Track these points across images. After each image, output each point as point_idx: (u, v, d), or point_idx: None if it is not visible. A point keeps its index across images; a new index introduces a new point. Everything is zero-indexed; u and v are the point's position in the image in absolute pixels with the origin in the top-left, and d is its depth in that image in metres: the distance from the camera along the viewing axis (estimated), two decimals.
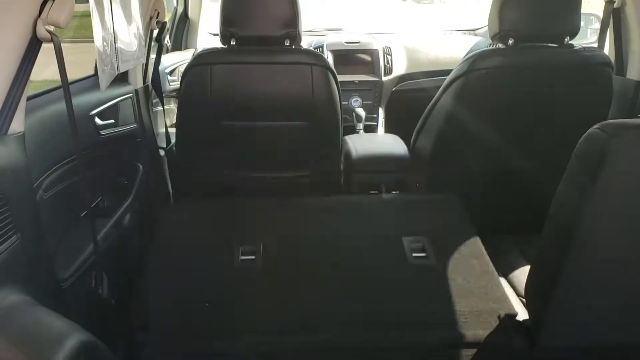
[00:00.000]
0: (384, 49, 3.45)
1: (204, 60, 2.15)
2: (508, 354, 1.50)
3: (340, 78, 3.47)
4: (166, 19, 2.34)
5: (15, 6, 1.08)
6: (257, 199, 2.13)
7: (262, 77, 2.17)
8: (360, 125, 3.22)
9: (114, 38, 1.69)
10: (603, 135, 1.21)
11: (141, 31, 2.00)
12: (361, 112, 3.22)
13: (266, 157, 2.31)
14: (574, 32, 2.06)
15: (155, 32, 2.28)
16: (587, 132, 1.26)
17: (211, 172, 2.31)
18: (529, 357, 1.51)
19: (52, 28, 1.19)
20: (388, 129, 3.39)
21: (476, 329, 1.54)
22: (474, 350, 1.50)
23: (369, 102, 3.37)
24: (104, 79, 1.57)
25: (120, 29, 1.75)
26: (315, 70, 2.15)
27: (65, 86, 1.29)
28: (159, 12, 2.19)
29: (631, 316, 1.44)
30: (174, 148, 2.50)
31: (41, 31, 1.17)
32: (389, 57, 3.44)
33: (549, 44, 2.11)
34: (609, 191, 1.24)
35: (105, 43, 1.57)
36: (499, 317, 1.57)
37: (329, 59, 3.41)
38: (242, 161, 2.31)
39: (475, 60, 2.09)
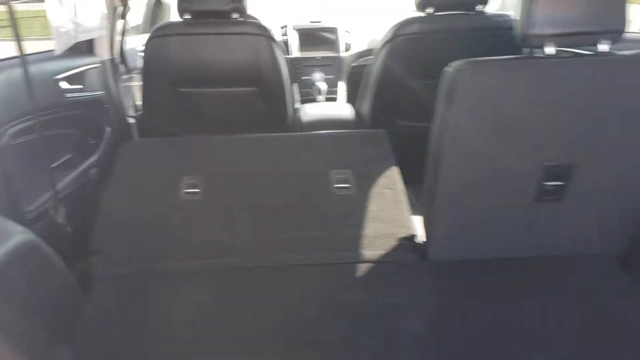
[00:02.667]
0: (345, 29, 3.72)
1: (161, 32, 2.43)
2: (402, 268, 1.78)
3: (303, 54, 3.76)
4: None
5: None
6: (203, 138, 2.36)
7: (213, 46, 2.44)
8: (321, 98, 3.49)
9: (74, 10, 1.98)
10: (453, 71, 1.49)
11: (103, 7, 2.28)
12: (322, 85, 3.49)
13: (220, 121, 2.58)
14: (484, 0, 2.33)
15: (120, 9, 2.56)
16: (442, 71, 1.53)
17: (173, 136, 2.58)
18: (421, 270, 1.78)
19: None
20: (348, 101, 3.66)
21: (377, 249, 1.82)
22: (373, 265, 1.77)
23: (330, 77, 3.64)
24: (60, 45, 1.85)
25: (79, 2, 2.03)
26: (260, 40, 2.42)
27: (20, 47, 1.57)
28: None
29: (490, 233, 1.72)
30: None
31: None
32: (349, 35, 3.71)
33: (464, 12, 2.37)
34: (461, 118, 1.51)
35: (60, 12, 1.85)
36: (399, 238, 1.85)
37: (294, 37, 3.69)
38: (199, 125, 2.58)
39: (399, 28, 2.36)
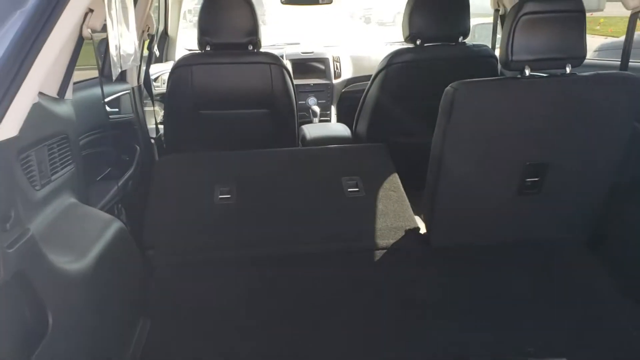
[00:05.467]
0: (333, 57, 4.13)
1: (186, 62, 2.78)
2: (410, 253, 2.15)
3: (298, 82, 4.16)
4: (154, 33, 2.97)
5: (69, 15, 1.69)
6: (229, 152, 2.70)
7: (232, 74, 2.80)
8: (316, 120, 3.87)
9: (120, 45, 2.31)
10: (451, 90, 1.89)
11: (136, 41, 2.62)
12: (316, 108, 3.88)
13: (236, 139, 2.92)
14: (465, 33, 2.76)
15: (146, 42, 2.90)
16: (444, 90, 1.93)
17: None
18: (425, 254, 2.15)
19: (90, 31, 1.80)
20: (339, 122, 4.05)
21: (388, 239, 2.19)
22: (386, 251, 2.14)
23: (323, 101, 4.03)
24: (114, 73, 2.18)
25: (123, 39, 2.36)
26: (273, 68, 2.79)
27: (100, 74, 1.90)
28: (149, 27, 2.82)
29: (482, 222, 2.10)
30: (162, 136, 3.11)
31: (85, 32, 1.78)
32: (338, 64, 4.13)
33: (448, 43, 2.79)
34: (457, 126, 1.90)
35: (114, 49, 2.19)
36: (405, 230, 2.22)
37: (288, 66, 4.08)
38: (217, 143, 2.92)
39: (392, 57, 2.77)
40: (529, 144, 1.97)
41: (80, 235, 1.52)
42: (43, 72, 1.22)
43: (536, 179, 2.02)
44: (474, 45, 2.80)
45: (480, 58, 2.75)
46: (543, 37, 1.85)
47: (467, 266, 2.08)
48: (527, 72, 1.89)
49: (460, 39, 2.78)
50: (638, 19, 2.00)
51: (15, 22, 1.17)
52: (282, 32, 5.20)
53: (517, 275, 2.02)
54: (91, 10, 1.80)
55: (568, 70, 1.90)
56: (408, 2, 2.76)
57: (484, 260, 2.10)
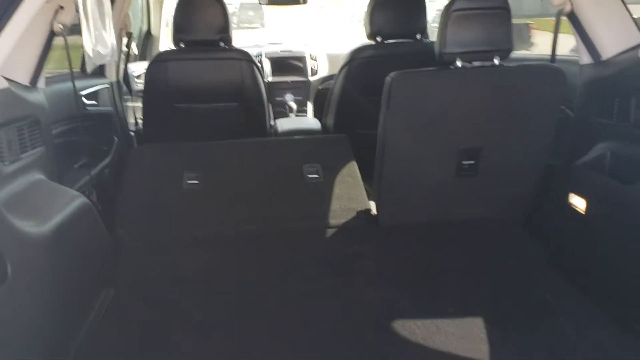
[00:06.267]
0: (311, 56, 4.33)
1: (161, 58, 2.97)
2: (360, 230, 2.33)
3: (276, 79, 4.36)
4: (132, 31, 3.16)
5: (40, 13, 1.87)
6: (198, 143, 2.88)
7: (204, 69, 2.98)
8: (292, 115, 4.06)
9: (95, 41, 2.50)
10: (389, 80, 2.07)
11: (113, 39, 2.81)
12: (292, 104, 4.07)
13: (209, 131, 3.10)
14: (422, 30, 2.94)
15: (124, 40, 3.09)
16: (384, 79, 2.11)
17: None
18: (373, 231, 2.33)
19: (61, 26, 1.99)
20: (315, 117, 4.24)
21: (340, 219, 2.37)
22: (335, 230, 2.32)
23: (300, 98, 4.23)
24: (89, 67, 2.37)
25: (99, 36, 2.55)
26: (243, 64, 2.98)
27: (70, 69, 2.09)
28: (127, 25, 3.01)
29: (427, 201, 2.28)
30: (141, 128, 3.29)
31: (55, 27, 1.97)
32: (315, 63, 4.33)
33: (406, 40, 2.98)
34: (395, 113, 2.09)
35: (88, 44, 2.37)
36: (357, 211, 2.40)
37: (267, 64, 4.28)
38: (191, 134, 3.10)
39: (354, 53, 2.96)
40: (463, 130, 2.15)
41: (44, 206, 1.70)
42: (14, 61, 1.40)
43: (472, 162, 2.20)
44: (430, 41, 2.98)
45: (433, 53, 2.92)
46: (472, 32, 2.03)
47: (409, 241, 2.26)
48: (459, 63, 2.07)
49: (418, 36, 2.96)
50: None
51: None
52: (277, 34, 5.39)
53: (452, 250, 2.20)
54: (61, 7, 1.99)
55: (497, 62, 2.08)
56: (369, 3, 2.95)
57: (424, 236, 2.28)
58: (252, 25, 24.51)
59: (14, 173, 1.68)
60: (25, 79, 1.91)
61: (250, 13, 24.50)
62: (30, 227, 1.53)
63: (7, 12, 1.37)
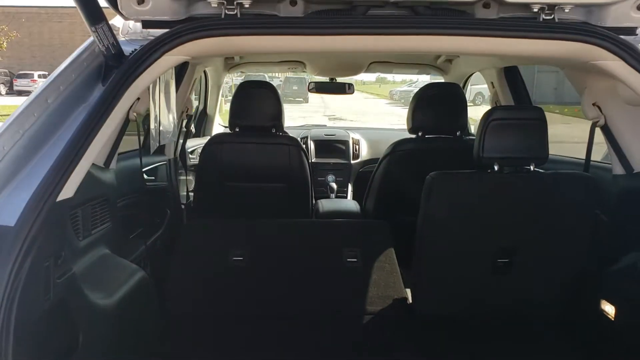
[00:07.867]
0: (353, 140, 4.55)
1: (217, 140, 3.21)
2: (392, 319, 2.43)
3: (319, 160, 4.57)
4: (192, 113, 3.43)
5: (122, 105, 2.10)
6: (246, 221, 3.04)
7: (256, 152, 3.20)
8: (333, 196, 4.23)
9: (160, 125, 2.75)
10: (430, 179, 2.23)
11: (175, 120, 3.07)
12: (334, 185, 4.25)
13: (256, 209, 3.29)
14: (463, 127, 3.12)
15: (185, 121, 3.36)
16: (425, 178, 2.27)
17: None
18: (407, 322, 2.42)
19: (135, 114, 2.23)
20: (354, 199, 4.40)
21: (376, 306, 2.47)
22: (371, 317, 2.42)
23: (341, 179, 4.42)
24: (153, 147, 2.60)
25: (164, 118, 2.81)
26: (291, 149, 3.19)
27: (141, 150, 2.32)
28: (188, 108, 3.28)
29: (463, 296, 2.38)
30: (192, 203, 3.50)
31: (130, 116, 2.21)
32: (357, 147, 4.54)
33: (446, 136, 3.15)
34: (435, 211, 2.23)
35: (154, 127, 2.62)
36: (393, 299, 2.51)
37: (312, 146, 4.52)
38: (239, 211, 3.29)
39: (395, 145, 3.14)
40: (498, 230, 2.27)
41: (110, 280, 1.87)
42: (97, 150, 1.63)
43: (506, 259, 2.30)
44: (469, 138, 3.15)
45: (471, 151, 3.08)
46: (509, 139, 2.18)
47: (445, 332, 2.34)
48: (496, 167, 2.22)
49: (458, 132, 3.13)
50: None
51: (81, 113, 1.60)
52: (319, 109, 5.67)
53: (486, 343, 2.27)
54: (138, 98, 2.24)
55: (532, 168, 2.22)
56: (412, 99, 3.16)
57: (459, 329, 2.36)
58: (296, 99, 25.43)
59: (86, 248, 1.86)
60: (101, 161, 2.13)
61: (295, 87, 25.43)
62: (98, 299, 1.70)
63: (108, 111, 1.59)
